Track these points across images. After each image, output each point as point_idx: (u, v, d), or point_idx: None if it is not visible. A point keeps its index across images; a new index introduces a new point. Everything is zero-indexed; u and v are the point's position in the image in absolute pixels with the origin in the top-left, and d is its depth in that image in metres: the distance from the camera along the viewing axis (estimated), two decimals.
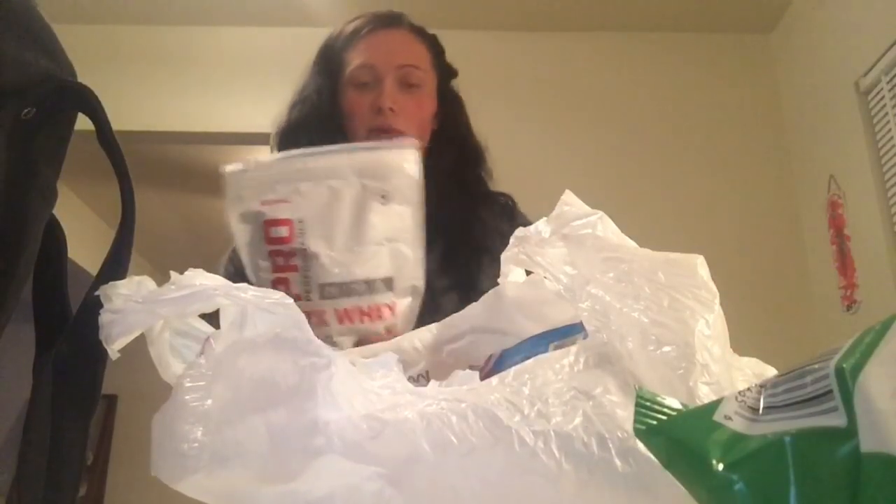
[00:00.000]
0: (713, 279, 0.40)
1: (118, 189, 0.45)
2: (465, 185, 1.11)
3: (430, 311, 0.92)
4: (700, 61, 2.94)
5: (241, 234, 0.70)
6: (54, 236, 0.45)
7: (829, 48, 2.60)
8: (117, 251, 0.44)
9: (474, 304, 0.61)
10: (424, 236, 0.75)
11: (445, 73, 1.14)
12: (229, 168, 0.72)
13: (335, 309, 0.68)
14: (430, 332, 0.61)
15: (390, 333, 0.70)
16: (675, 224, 2.67)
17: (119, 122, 0.47)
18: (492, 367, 0.51)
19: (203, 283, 0.39)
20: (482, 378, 0.48)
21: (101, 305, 0.43)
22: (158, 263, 5.07)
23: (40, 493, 0.39)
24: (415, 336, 0.61)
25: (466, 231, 1.04)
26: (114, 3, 2.88)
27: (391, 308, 0.70)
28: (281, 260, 0.68)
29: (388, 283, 0.71)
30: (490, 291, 0.60)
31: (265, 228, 0.69)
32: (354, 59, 1.05)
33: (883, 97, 2.32)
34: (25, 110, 0.40)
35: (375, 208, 0.70)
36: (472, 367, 0.51)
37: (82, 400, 0.42)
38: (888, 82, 2.29)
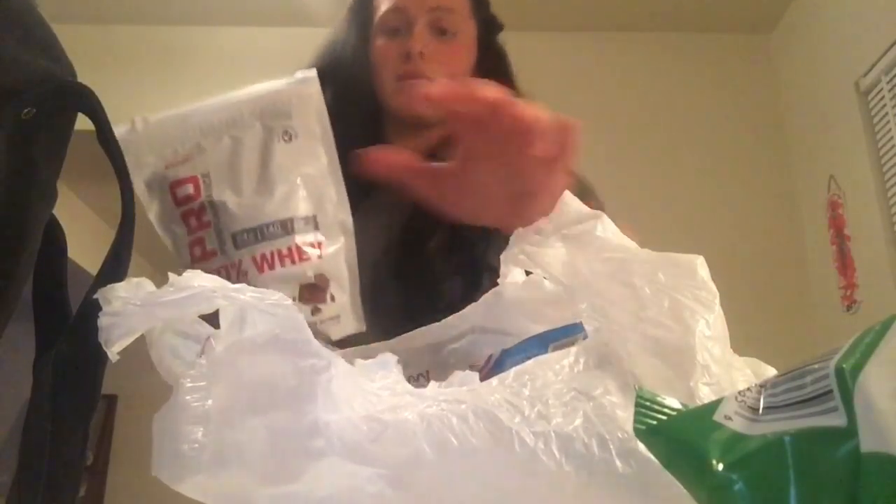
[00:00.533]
0: (713, 279, 0.40)
1: (118, 189, 0.45)
2: None
3: (431, 297, 0.85)
4: (700, 61, 2.94)
5: (151, 205, 0.66)
6: (54, 236, 0.45)
7: (829, 48, 2.61)
8: (117, 251, 0.44)
9: (474, 303, 0.61)
10: (341, 169, 0.70)
11: (489, 24, 1.05)
12: (116, 130, 0.69)
13: (252, 256, 0.63)
14: (430, 331, 0.60)
15: (322, 280, 0.66)
16: (675, 224, 2.67)
17: (119, 122, 0.47)
18: (492, 367, 0.51)
19: (202, 284, 0.39)
20: (482, 378, 0.48)
21: (100, 305, 0.43)
22: (158, 263, 5.07)
23: (40, 494, 0.39)
24: (415, 336, 0.60)
25: None
26: (114, 3, 2.88)
27: (317, 247, 0.66)
28: (193, 220, 0.65)
29: (311, 222, 0.66)
30: (490, 291, 0.59)
31: (172, 191, 0.65)
32: (383, 4, 0.97)
33: (883, 97, 2.32)
34: (25, 110, 0.40)
35: (280, 148, 0.67)
36: (472, 368, 0.51)
37: (82, 400, 0.42)
38: (888, 82, 2.29)
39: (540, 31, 2.88)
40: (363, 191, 0.92)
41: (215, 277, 0.41)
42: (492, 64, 1.03)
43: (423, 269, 0.90)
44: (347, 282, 0.68)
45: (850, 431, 0.22)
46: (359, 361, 0.44)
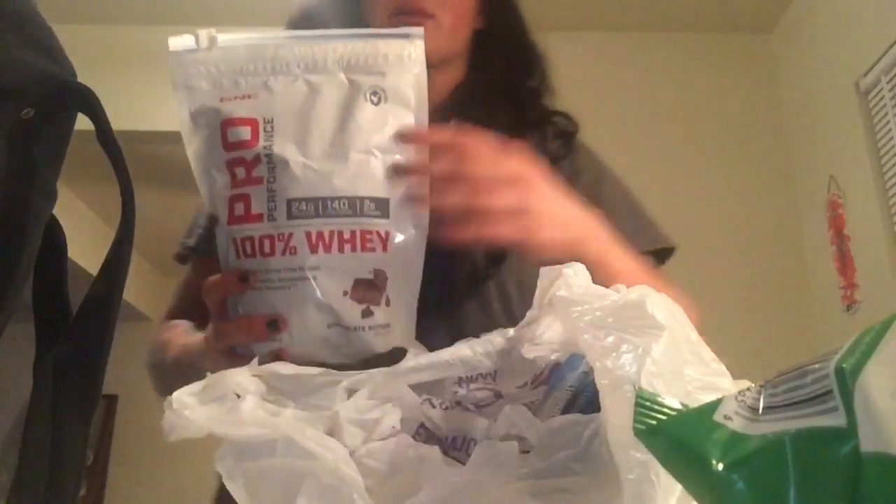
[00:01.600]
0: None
1: (118, 189, 0.45)
2: (516, 100, 0.91)
3: (444, 267, 0.71)
4: (700, 61, 2.94)
5: (192, 140, 0.56)
6: (54, 236, 0.45)
7: (829, 48, 2.61)
8: (117, 251, 0.44)
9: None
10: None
11: None
12: (174, 42, 0.57)
13: (307, 232, 0.53)
14: (503, 335, 0.54)
15: (381, 278, 0.55)
16: (675, 224, 2.66)
17: (119, 122, 0.47)
18: (546, 377, 0.51)
19: (275, 426, 0.41)
20: (535, 386, 0.49)
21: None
22: (158, 263, 5.08)
23: (41, 494, 0.39)
24: (486, 340, 0.53)
25: None
26: (114, 3, 2.88)
27: (383, 239, 0.55)
28: (241, 171, 0.54)
29: (382, 206, 0.55)
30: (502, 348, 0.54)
31: (223, 130, 0.55)
32: None
33: (883, 97, 2.32)
34: (25, 110, 0.40)
35: (365, 108, 0.56)
36: (536, 378, 0.51)
37: (82, 400, 0.42)
38: (888, 82, 2.29)
39: (540, 32, 2.87)
40: None
41: (285, 420, 0.43)
42: (499, 11, 0.93)
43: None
44: (408, 285, 0.58)
45: (850, 431, 0.22)
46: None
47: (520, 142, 0.83)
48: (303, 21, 0.90)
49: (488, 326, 0.55)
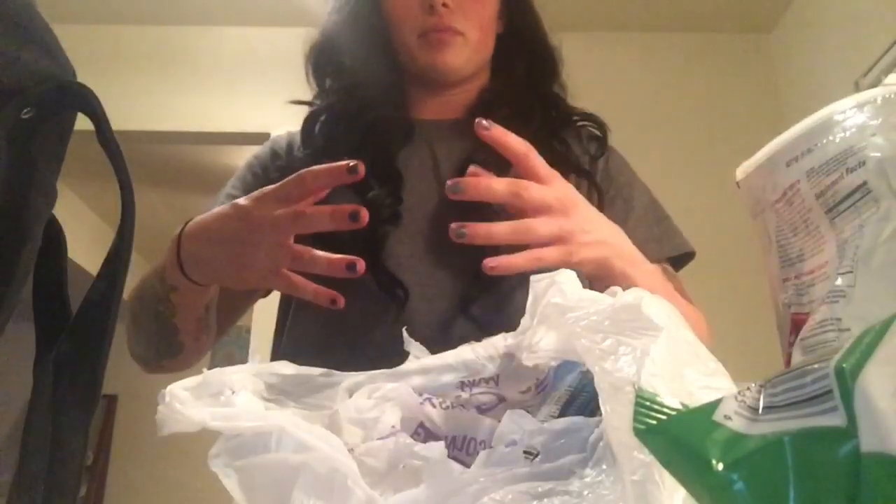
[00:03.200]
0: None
1: (118, 189, 0.45)
2: (545, 99, 0.95)
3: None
4: (700, 61, 2.94)
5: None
6: (54, 236, 0.45)
7: (829, 48, 2.61)
8: (117, 251, 0.44)
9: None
10: None
11: None
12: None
13: None
14: (504, 340, 0.55)
15: None
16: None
17: (119, 122, 0.47)
18: (549, 382, 0.51)
19: (268, 418, 0.41)
20: (539, 391, 0.49)
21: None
22: None
23: (40, 494, 0.39)
24: (489, 344, 0.55)
25: (550, 151, 0.85)
26: (114, 3, 2.88)
27: None
28: None
29: None
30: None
31: None
32: None
33: None
34: (25, 110, 0.40)
35: None
36: (539, 382, 0.52)
37: (82, 400, 0.42)
38: None
39: None
40: (405, 132, 0.88)
41: (284, 414, 0.44)
42: (515, 4, 0.96)
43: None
44: None
45: (849, 431, 0.22)
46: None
47: (558, 142, 0.90)
48: (325, 45, 0.94)
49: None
